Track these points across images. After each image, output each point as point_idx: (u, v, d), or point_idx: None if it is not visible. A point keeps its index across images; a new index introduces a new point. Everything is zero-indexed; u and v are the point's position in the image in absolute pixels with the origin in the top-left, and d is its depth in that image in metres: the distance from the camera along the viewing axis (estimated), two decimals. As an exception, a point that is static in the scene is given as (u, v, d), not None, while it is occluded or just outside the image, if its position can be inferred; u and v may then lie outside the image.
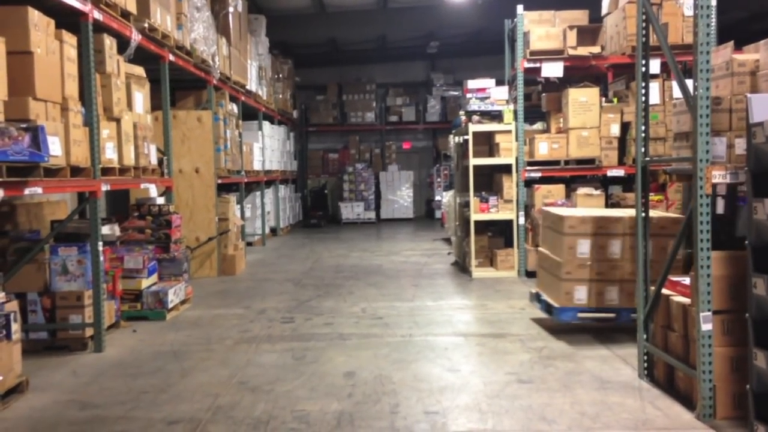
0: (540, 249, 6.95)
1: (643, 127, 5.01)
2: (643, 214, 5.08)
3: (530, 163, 9.66)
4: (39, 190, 5.10)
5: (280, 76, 16.94)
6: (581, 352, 5.86)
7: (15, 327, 4.96)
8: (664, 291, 4.91)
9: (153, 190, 7.73)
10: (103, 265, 6.27)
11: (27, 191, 4.97)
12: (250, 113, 14.13)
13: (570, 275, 6.14)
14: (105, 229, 6.92)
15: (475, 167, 9.73)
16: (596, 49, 9.61)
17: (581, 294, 6.15)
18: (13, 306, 5.05)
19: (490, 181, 10.32)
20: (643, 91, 5.02)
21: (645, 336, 5.07)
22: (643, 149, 5.00)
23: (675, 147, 5.13)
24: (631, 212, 6.21)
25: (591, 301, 6.17)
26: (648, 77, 5.02)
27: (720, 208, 6.27)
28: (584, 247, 6.11)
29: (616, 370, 5.34)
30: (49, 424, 4.44)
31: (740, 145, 4.42)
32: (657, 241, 5.90)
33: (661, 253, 5.89)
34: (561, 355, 5.79)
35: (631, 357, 5.53)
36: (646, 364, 5.08)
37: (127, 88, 6.96)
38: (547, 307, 6.43)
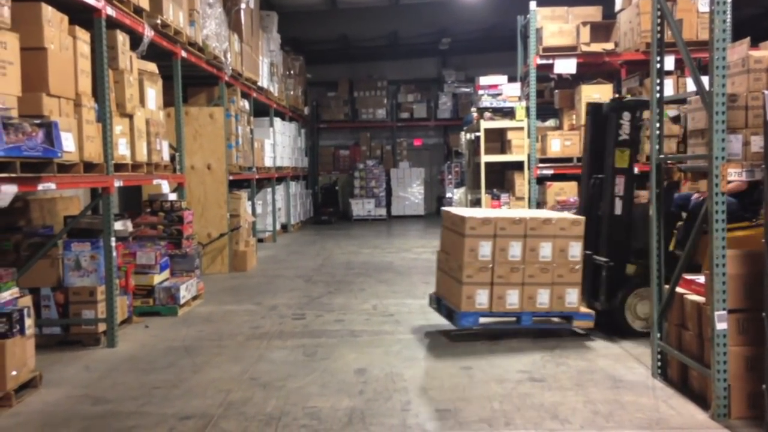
0: (439, 251, 6.62)
1: (657, 125, 4.96)
2: (658, 213, 5.04)
3: (542, 160, 9.62)
4: (52, 185, 5.12)
5: (292, 72, 16.95)
6: (594, 351, 5.83)
7: (29, 322, 4.99)
8: (678, 290, 4.87)
9: (165, 187, 7.76)
10: (115, 260, 6.29)
11: (40, 187, 4.99)
12: (261, 110, 14.15)
13: (471, 278, 5.87)
14: (118, 225, 6.94)
15: (487, 164, 9.71)
16: (610, 46, 9.56)
17: (483, 298, 5.89)
18: (27, 301, 5.07)
19: (501, 178, 10.29)
20: (658, 88, 4.97)
21: (659, 335, 5.03)
22: (657, 146, 4.96)
23: (690, 144, 5.08)
24: (532, 212, 6.25)
25: (492, 305, 5.93)
26: (663, 74, 4.97)
27: (618, 209, 6.25)
28: (486, 249, 5.87)
29: (630, 369, 5.31)
30: (62, 418, 4.46)
31: (756, 143, 4.37)
32: (557, 243, 5.98)
33: (560, 255, 5.97)
34: (573, 354, 5.76)
35: (645, 356, 5.49)
36: (659, 363, 5.05)
37: (139, 84, 6.98)
38: (448, 312, 6.19)
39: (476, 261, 5.87)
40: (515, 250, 5.90)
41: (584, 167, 6.87)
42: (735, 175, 4.12)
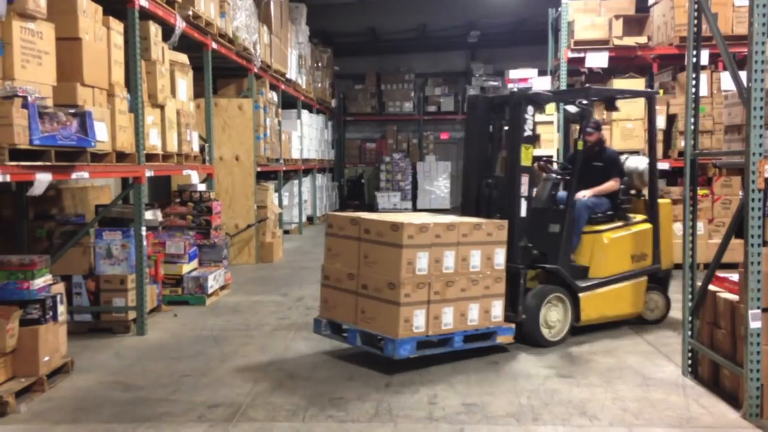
0: (327, 265, 5.51)
1: (692, 120, 4.89)
2: (691, 209, 4.97)
3: (571, 154, 9.52)
4: (86, 174, 5.18)
5: (320, 64, 16.96)
6: (623, 348, 5.78)
7: (61, 309, 5.06)
8: (711, 287, 4.81)
9: (195, 177, 7.81)
10: (146, 249, 6.36)
11: (74, 175, 5.05)
12: (289, 102, 14.19)
13: (409, 298, 4.95)
14: (148, 215, 7.00)
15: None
16: (643, 40, 9.44)
17: (420, 320, 5.02)
18: (60, 288, 5.15)
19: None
20: (694, 82, 4.89)
21: (690, 333, 4.97)
22: (692, 142, 4.89)
23: (726, 140, 5.00)
24: (463, 219, 5.45)
25: (429, 328, 5.08)
26: (699, 68, 4.89)
27: (523, 210, 5.71)
28: (423, 261, 4.99)
29: (659, 367, 5.25)
30: (94, 404, 4.52)
31: (795, 139, 4.29)
32: (485, 250, 5.33)
33: (487, 263, 5.31)
34: (602, 350, 5.71)
35: (675, 354, 5.43)
36: (690, 362, 4.99)
37: (171, 75, 7.03)
38: (368, 340, 5.20)
39: (414, 276, 4.97)
40: (449, 260, 5.13)
41: (468, 166, 6.22)
42: (773, 172, 4.03)
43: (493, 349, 5.56)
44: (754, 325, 4.05)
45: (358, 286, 5.22)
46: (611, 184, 6.40)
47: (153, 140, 6.48)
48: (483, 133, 6.12)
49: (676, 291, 7.64)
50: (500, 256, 5.42)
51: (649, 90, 7.93)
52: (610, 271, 6.20)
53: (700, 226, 5.32)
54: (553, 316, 5.85)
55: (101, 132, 5.25)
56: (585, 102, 5.97)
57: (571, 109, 6.03)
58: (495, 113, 6.09)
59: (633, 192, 6.76)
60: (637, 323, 6.48)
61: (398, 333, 4.92)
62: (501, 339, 5.49)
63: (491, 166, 6.17)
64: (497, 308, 5.44)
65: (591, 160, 6.39)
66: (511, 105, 5.82)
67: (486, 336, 5.42)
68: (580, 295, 5.97)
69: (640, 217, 6.53)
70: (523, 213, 5.73)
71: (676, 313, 6.71)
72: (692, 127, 4.88)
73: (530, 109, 5.73)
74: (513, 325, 5.55)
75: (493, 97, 6.16)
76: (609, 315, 6.27)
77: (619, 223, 6.36)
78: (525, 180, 5.72)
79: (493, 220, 5.59)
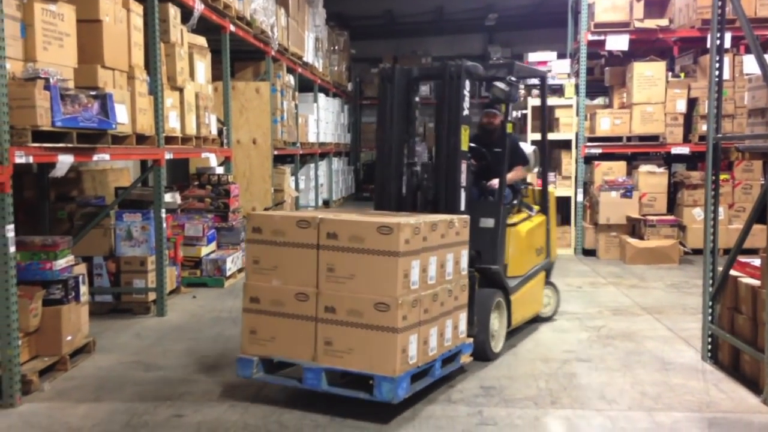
0: (253, 284, 4.26)
1: (715, 103, 4.83)
2: (713, 194, 4.92)
3: (590, 139, 9.47)
4: (106, 156, 5.21)
5: (336, 48, 16.90)
6: (642, 332, 5.76)
7: (83, 289, 5.12)
8: (732, 272, 4.77)
9: (213, 160, 7.83)
10: (165, 231, 6.40)
11: (95, 157, 5.08)
12: (305, 85, 14.15)
13: (406, 321, 3.90)
14: (167, 197, 7.04)
15: (533, 142, 9.56)
16: (664, 22, 9.31)
17: (413, 348, 3.99)
18: (82, 269, 5.20)
19: (548, 156, 10.13)
20: (717, 65, 4.83)
21: (710, 318, 4.94)
22: (714, 126, 4.83)
23: (749, 124, 4.94)
24: (425, 218, 4.26)
25: (419, 356, 4.06)
26: (723, 51, 4.83)
27: (463, 203, 4.85)
28: (416, 272, 4.00)
29: (679, 352, 5.24)
30: (116, 383, 4.57)
31: (820, 123, 4.24)
32: (456, 252, 4.42)
33: (456, 268, 4.42)
34: (620, 335, 5.70)
35: (694, 339, 5.41)
36: (710, 347, 4.96)
37: (189, 58, 7.03)
38: (344, 382, 4.13)
39: (409, 292, 3.94)
40: (432, 268, 4.18)
41: (384, 151, 5.18)
42: (798, 156, 3.98)
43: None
44: (777, 310, 4.01)
45: (318, 309, 4.02)
46: (518, 173, 5.75)
47: (172, 123, 6.50)
48: (401, 113, 5.16)
49: (668, 278, 7.60)
50: (465, 260, 4.57)
51: (539, 70, 7.13)
52: (525, 268, 5.63)
53: (721, 211, 5.17)
54: (496, 324, 5.13)
55: (122, 114, 5.27)
56: (514, 79, 5.20)
57: (501, 85, 5.11)
58: (415, 89, 5.25)
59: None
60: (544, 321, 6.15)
61: (396, 368, 3.83)
62: (464, 359, 4.62)
63: (411, 151, 5.31)
64: (463, 322, 4.57)
65: (492, 146, 5.62)
66: (447, 79, 4.94)
67: (452, 357, 4.50)
68: (512, 297, 5.33)
69: (536, 207, 6.03)
70: (464, 206, 4.92)
71: (694, 299, 6.69)
72: (715, 110, 4.83)
73: (468, 84, 4.92)
74: (472, 340, 4.72)
75: (411, 69, 5.19)
76: (527, 316, 5.73)
77: (525, 215, 5.80)
78: (464, 167, 4.94)
79: (453, 216, 4.52)
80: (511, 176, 5.61)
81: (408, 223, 3.89)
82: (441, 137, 4.98)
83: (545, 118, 5.98)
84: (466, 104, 4.93)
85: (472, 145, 5.25)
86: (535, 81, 9.43)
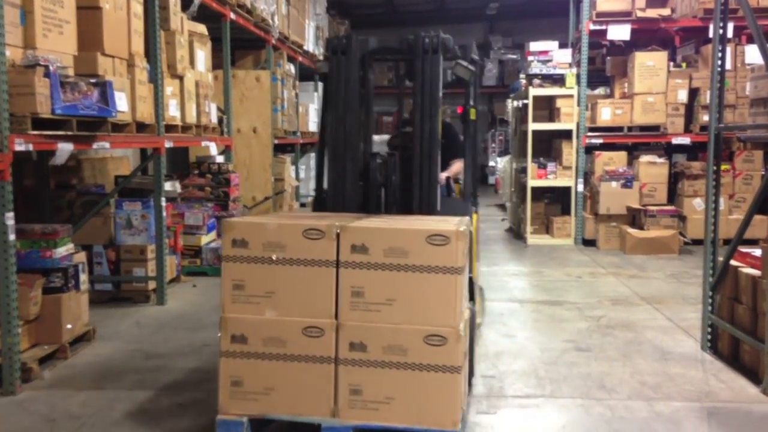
0: (233, 317, 3.28)
1: (717, 93, 4.81)
2: (714, 184, 4.91)
3: (591, 129, 9.45)
4: (106, 144, 5.19)
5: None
6: (641, 322, 5.76)
7: (83, 278, 5.12)
8: (733, 262, 4.77)
9: (213, 149, 7.82)
10: (165, 220, 6.40)
11: (95, 146, 5.07)
12: (306, 74, 14.11)
13: (462, 357, 3.19)
14: (167, 186, 7.03)
15: (534, 132, 9.56)
16: (666, 12, 9.27)
17: (464, 388, 3.38)
18: (82, 257, 5.20)
19: (548, 146, 10.13)
20: (720, 54, 4.80)
21: (710, 308, 4.94)
22: (717, 115, 4.82)
23: (751, 114, 4.92)
24: (444, 220, 3.59)
25: (462, 399, 3.41)
26: (725, 40, 4.80)
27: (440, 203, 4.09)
28: (466, 293, 3.43)
29: (678, 342, 5.24)
30: (116, 371, 4.58)
31: (822, 113, 4.23)
32: None
33: None
34: (620, 324, 5.71)
35: (694, 329, 5.41)
36: (710, 337, 4.97)
37: (189, 45, 7.01)
38: None
39: (462, 319, 3.23)
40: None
41: (336, 139, 4.20)
42: (800, 146, 3.97)
43: (505, 325, 5.55)
44: (777, 300, 4.01)
45: (340, 347, 3.17)
46: (459, 166, 5.03)
47: (172, 111, 6.48)
48: (354, 93, 4.23)
49: (676, 267, 7.61)
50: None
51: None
52: (475, 274, 4.76)
53: (721, 201, 5.13)
54: None
55: (122, 102, 5.25)
56: (477, 58, 4.73)
57: (465, 64, 4.40)
58: (371, 66, 4.49)
59: None
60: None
61: (456, 419, 3.12)
62: None
63: (369, 141, 4.60)
64: None
65: None
66: (421, 54, 4.17)
67: None
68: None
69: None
70: (440, 206, 4.18)
71: (694, 289, 6.69)
72: (717, 100, 4.81)
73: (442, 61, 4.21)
74: None
75: (367, 39, 4.33)
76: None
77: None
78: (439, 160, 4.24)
79: (460, 218, 3.69)
80: (454, 170, 5.09)
81: (460, 230, 3.10)
82: (415, 123, 4.13)
83: (468, 115, 4.66)
84: (441, 85, 4.19)
85: (407, 129, 4.41)
86: (536, 70, 9.41)
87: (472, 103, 4.64)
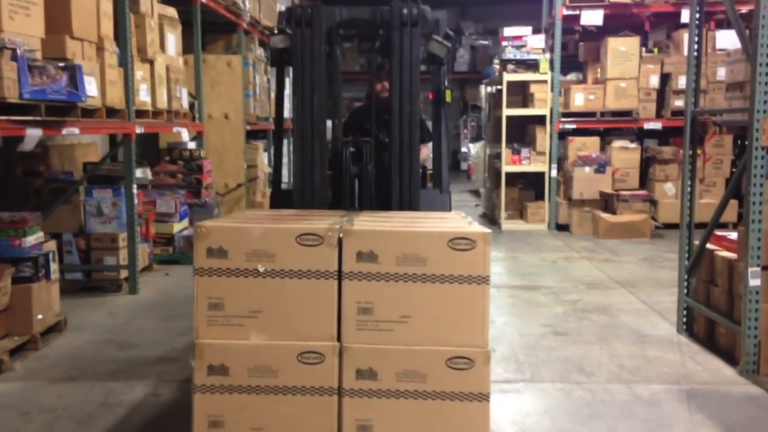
0: (207, 344, 2.69)
1: (694, 77, 4.83)
2: (690, 168, 4.95)
3: (565, 115, 9.47)
4: (76, 130, 5.06)
5: (308, 21, 16.65)
6: (617, 306, 5.80)
7: (54, 267, 5.00)
8: (709, 246, 4.81)
9: (185, 135, 7.69)
10: (137, 208, 6.27)
11: (65, 131, 4.93)
12: (277, 59, 13.95)
13: None
14: (137, 173, 6.88)
15: (508, 118, 9.56)
16: (638, -3, 9.31)
17: None
18: (52, 246, 5.07)
19: (522, 132, 10.15)
20: (696, 39, 4.82)
21: (686, 291, 4.99)
22: (693, 99, 4.84)
23: (726, 98, 4.96)
24: (449, 216, 3.37)
25: None
26: (702, 24, 4.82)
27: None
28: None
29: (653, 325, 5.29)
30: (89, 361, 4.48)
31: (797, 97, 4.26)
32: None
33: None
34: (596, 308, 5.74)
35: (669, 312, 5.46)
36: (685, 319, 5.02)
37: (160, 29, 6.85)
38: None
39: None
40: None
41: (304, 125, 3.67)
42: (776, 130, 4.00)
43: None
44: (754, 282, 4.06)
45: (345, 375, 2.64)
46: (427, 152, 4.71)
47: (143, 96, 6.34)
48: (321, 72, 3.71)
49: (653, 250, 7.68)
50: None
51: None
52: None
53: None
54: None
55: (91, 87, 5.11)
56: (452, 34, 4.24)
57: (439, 39, 3.99)
58: (339, 41, 3.96)
59: None
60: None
61: None
62: None
63: (339, 126, 4.00)
64: None
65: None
66: (399, 26, 3.73)
67: None
68: None
69: None
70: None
71: (666, 273, 6.76)
72: (693, 84, 4.83)
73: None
74: None
75: (334, 10, 3.90)
76: None
77: None
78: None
79: (448, 214, 3.54)
80: (422, 156, 4.47)
81: (486, 232, 2.65)
82: (392, 107, 3.65)
83: (442, 98, 4.29)
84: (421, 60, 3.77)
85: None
86: (510, 55, 9.39)
87: (447, 84, 4.32)
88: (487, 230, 2.68)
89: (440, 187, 4.16)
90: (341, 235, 2.63)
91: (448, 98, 4.24)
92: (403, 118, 3.67)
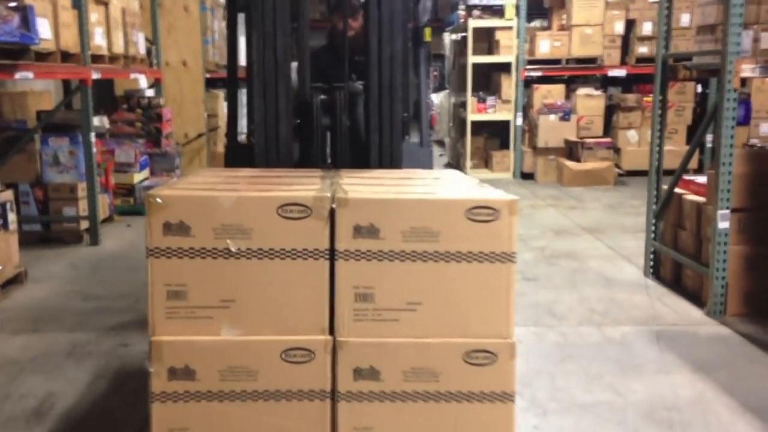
0: (172, 340, 2.20)
1: (665, 20, 4.79)
2: (660, 113, 4.95)
3: (530, 62, 9.41)
4: (30, 74, 4.82)
5: (266, -34, 16.17)
6: (584, 252, 5.85)
7: (12, 217, 4.82)
8: (677, 190, 4.85)
9: (143, 81, 7.44)
10: (95, 157, 6.06)
11: (18, 75, 4.69)
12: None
13: None
14: (94, 121, 6.65)
15: (474, 65, 9.47)
16: (604, -59, 9.21)
17: None
18: (9, 196, 4.89)
19: (488, 80, 10.08)
20: (668, -20, 4.77)
21: (653, 235, 5.04)
22: (664, 43, 4.81)
23: (697, 41, 4.94)
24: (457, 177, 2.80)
25: None
26: (674, -34, 4.77)
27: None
28: None
29: (621, 269, 5.35)
30: (53, 313, 4.36)
31: (766, 39, 4.26)
32: None
33: None
34: (564, 254, 5.78)
35: (635, 257, 5.52)
36: (652, 263, 5.08)
37: (114, -31, 6.55)
38: None
39: None
40: None
41: (266, 68, 3.04)
42: (749, 71, 3.99)
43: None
44: (722, 225, 4.10)
45: (340, 375, 2.16)
46: None
47: (98, 40, 6.08)
48: (285, 5, 3.12)
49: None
50: None
51: None
52: None
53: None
54: None
55: (44, 29, 4.87)
56: None
57: None
58: None
59: None
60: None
61: None
62: None
63: (305, 71, 3.34)
64: None
65: (357, 63, 3.46)
66: None
67: None
68: None
69: None
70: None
71: (631, 219, 6.84)
72: (665, 26, 4.79)
73: None
74: None
75: None
76: None
77: None
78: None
79: (453, 173, 2.96)
80: None
81: (511, 199, 2.17)
82: (370, 47, 3.08)
83: (420, 37, 3.89)
84: None
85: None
86: (476, 1, 9.25)
87: (425, 18, 3.89)
88: (514, 197, 2.18)
89: (420, 140, 3.76)
90: (334, 204, 2.12)
91: (427, 36, 3.81)
92: (382, 58, 3.10)
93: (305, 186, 2.31)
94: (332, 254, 2.13)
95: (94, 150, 6.02)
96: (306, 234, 2.13)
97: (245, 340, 2.16)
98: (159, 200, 2.09)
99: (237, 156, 3.46)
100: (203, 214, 2.12)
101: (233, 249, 2.13)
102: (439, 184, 2.60)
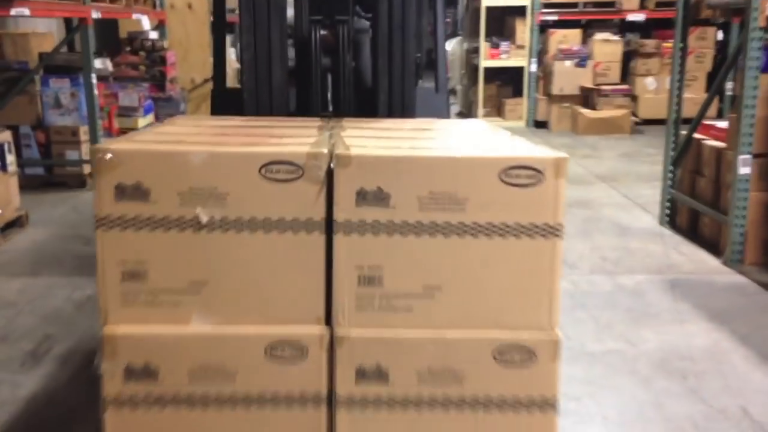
0: (127, 334, 1.71)
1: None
2: (681, 58, 4.73)
3: (546, 6, 9.11)
4: (26, 11, 4.65)
5: None
6: (598, 200, 5.70)
7: (10, 158, 4.71)
8: (696, 135, 4.67)
9: (146, 22, 7.24)
10: (97, 99, 5.92)
11: (14, 11, 4.52)
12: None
13: None
14: (97, 63, 6.49)
15: (488, 9, 9.17)
16: None
17: None
18: (7, 137, 4.77)
19: (501, 25, 9.78)
20: None
21: (670, 182, 4.88)
22: (687, -20, 4.57)
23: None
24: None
25: None
26: None
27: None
28: None
29: (636, 217, 5.20)
30: (53, 257, 4.28)
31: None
32: None
33: None
34: (577, 203, 5.63)
35: (650, 205, 5.37)
36: (668, 211, 4.93)
37: None
38: None
39: None
40: None
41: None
42: (778, 8, 3.77)
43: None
44: (744, 170, 3.94)
45: (340, 376, 1.72)
46: None
47: (98, -23, 5.88)
48: None
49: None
50: None
51: None
52: None
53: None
54: None
55: (39, -38, 4.68)
56: None
57: None
58: None
59: None
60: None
61: None
62: None
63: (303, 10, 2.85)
64: None
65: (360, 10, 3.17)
66: None
67: None
68: None
69: None
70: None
71: (647, 167, 6.66)
72: (689, -37, 4.55)
73: None
74: None
75: None
76: None
77: None
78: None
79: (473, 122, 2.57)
80: None
81: (558, 157, 1.68)
82: None
83: None
84: None
85: None
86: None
87: None
88: (563, 154, 1.69)
89: (436, 86, 3.24)
90: (332, 163, 1.65)
91: None
92: (392, 3, 2.62)
93: (298, 139, 1.87)
94: (330, 226, 1.68)
95: (96, 92, 5.87)
96: (297, 200, 1.67)
97: (221, 333, 1.72)
98: (109, 155, 1.63)
99: (224, 103, 3.01)
100: (166, 174, 1.65)
101: (204, 219, 1.67)
102: (462, 138, 2.14)
